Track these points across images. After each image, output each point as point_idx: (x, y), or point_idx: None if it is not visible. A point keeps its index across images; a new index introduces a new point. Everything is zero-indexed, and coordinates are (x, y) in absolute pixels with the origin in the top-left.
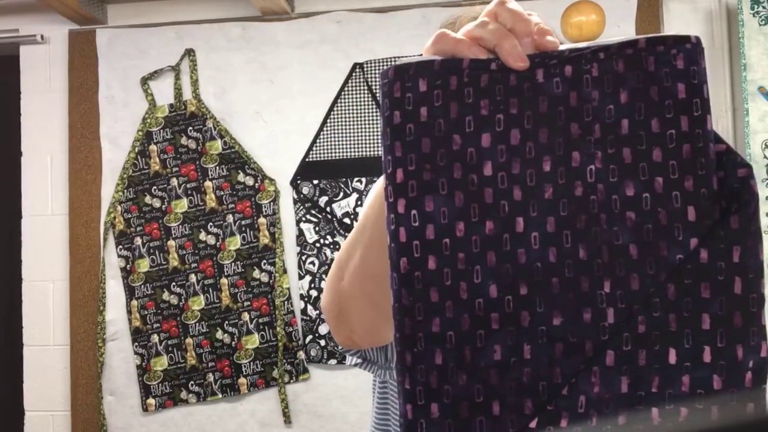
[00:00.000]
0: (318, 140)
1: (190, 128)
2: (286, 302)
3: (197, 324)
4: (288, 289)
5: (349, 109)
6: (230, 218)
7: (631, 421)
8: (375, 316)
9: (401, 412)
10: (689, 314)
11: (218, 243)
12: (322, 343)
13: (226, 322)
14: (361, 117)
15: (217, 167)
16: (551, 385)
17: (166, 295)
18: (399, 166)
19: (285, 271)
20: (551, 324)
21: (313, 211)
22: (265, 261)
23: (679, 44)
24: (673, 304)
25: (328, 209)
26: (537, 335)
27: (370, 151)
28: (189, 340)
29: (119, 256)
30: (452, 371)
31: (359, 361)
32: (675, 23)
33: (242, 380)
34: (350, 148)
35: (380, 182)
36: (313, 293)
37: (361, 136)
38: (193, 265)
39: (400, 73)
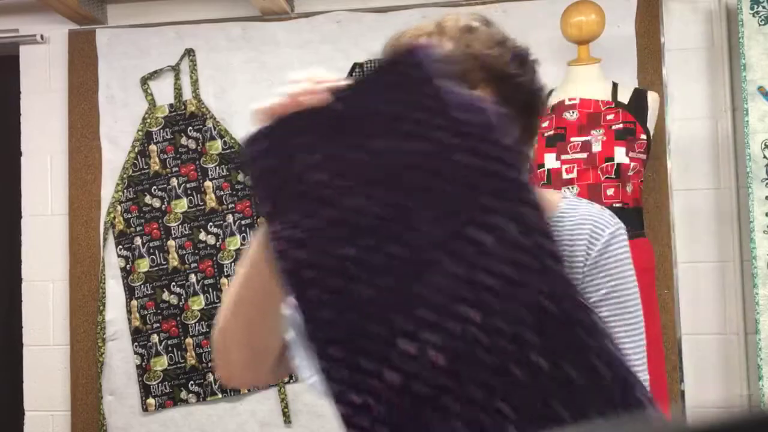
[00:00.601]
0: None
1: (190, 128)
2: None
3: (197, 324)
4: None
5: None
6: (230, 218)
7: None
8: (251, 354)
9: (319, 367)
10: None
11: (218, 243)
12: None
13: None
14: None
15: (217, 167)
16: (386, 335)
17: (166, 295)
18: (266, 200)
19: None
20: (369, 297)
21: None
22: None
23: (405, 58)
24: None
25: None
26: (365, 306)
27: None
28: (189, 340)
29: (119, 256)
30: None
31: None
32: (675, 23)
33: None
34: None
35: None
36: None
37: None
38: (193, 265)
39: (249, 141)
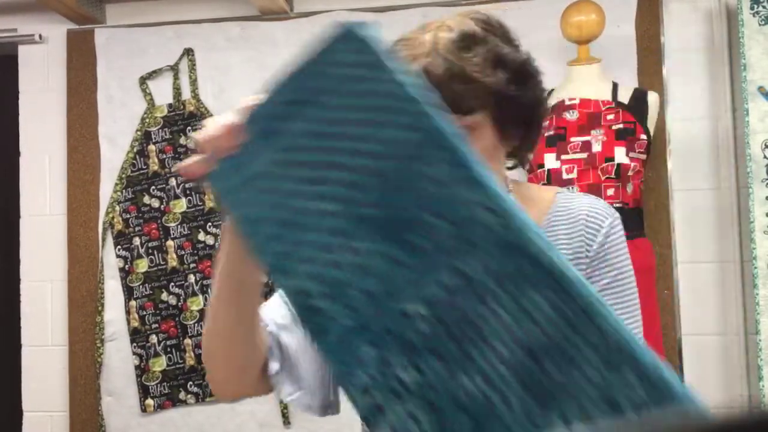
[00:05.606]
0: None
1: (189, 128)
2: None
3: (196, 324)
4: None
5: None
6: None
7: None
8: (232, 364)
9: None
10: None
11: (217, 243)
12: None
13: None
14: None
15: None
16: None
17: (164, 296)
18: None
19: None
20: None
21: None
22: None
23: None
24: None
25: None
26: None
27: None
28: (188, 341)
29: (118, 256)
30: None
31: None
32: (675, 23)
33: None
34: None
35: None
36: None
37: None
38: (192, 266)
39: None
